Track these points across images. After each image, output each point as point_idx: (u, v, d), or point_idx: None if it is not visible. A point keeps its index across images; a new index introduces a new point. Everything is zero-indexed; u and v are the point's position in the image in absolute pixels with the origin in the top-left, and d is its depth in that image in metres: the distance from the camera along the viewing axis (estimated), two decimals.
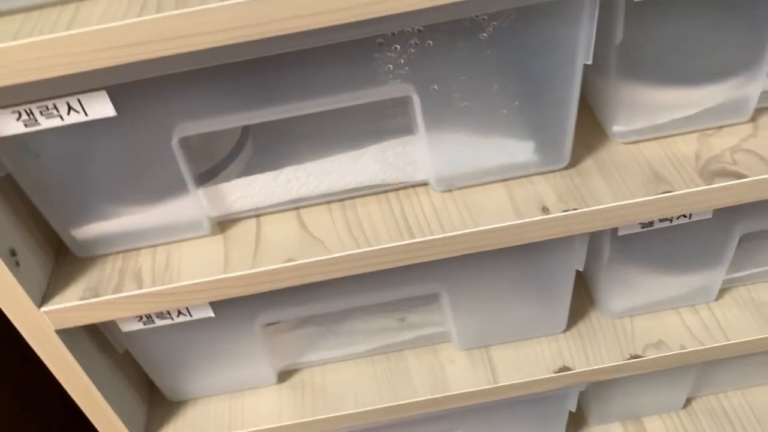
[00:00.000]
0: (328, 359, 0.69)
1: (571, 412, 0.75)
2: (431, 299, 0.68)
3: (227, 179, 0.53)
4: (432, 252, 0.52)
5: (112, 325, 0.57)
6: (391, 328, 0.69)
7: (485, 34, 0.45)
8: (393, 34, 0.44)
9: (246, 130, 0.55)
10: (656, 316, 0.68)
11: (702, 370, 0.77)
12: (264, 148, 0.55)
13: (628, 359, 0.65)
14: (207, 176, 0.53)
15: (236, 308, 0.59)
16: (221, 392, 0.68)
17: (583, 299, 0.69)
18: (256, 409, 0.66)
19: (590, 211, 0.51)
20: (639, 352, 0.65)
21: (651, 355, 0.65)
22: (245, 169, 0.54)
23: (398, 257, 0.52)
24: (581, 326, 0.68)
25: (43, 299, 0.52)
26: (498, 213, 0.52)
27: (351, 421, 0.65)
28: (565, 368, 0.65)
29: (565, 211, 0.51)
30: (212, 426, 0.65)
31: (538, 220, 0.51)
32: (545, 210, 0.52)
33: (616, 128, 0.55)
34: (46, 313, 0.52)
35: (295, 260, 0.52)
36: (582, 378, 0.65)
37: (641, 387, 0.77)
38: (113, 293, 0.52)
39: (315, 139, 0.54)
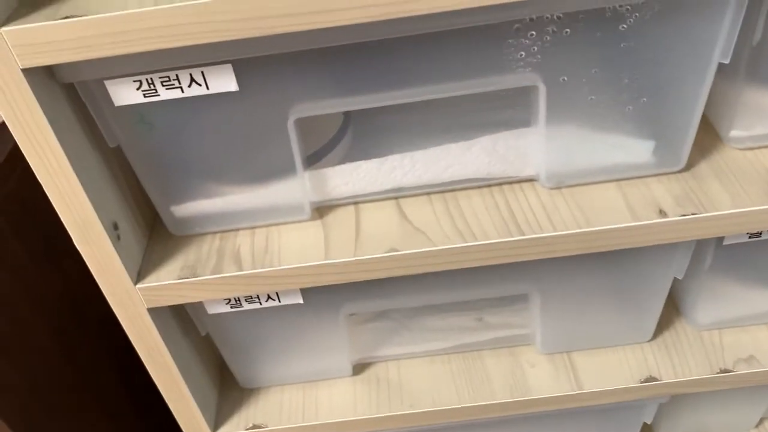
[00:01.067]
0: (404, 354, 0.67)
1: (645, 423, 0.73)
2: (513, 300, 0.66)
3: (331, 164, 0.52)
4: (541, 251, 0.50)
5: (199, 306, 0.56)
6: (468, 327, 0.68)
7: (625, 26, 0.43)
8: (531, 19, 0.42)
9: (348, 114, 0.53)
10: (746, 330, 0.66)
11: None
12: (369, 134, 0.53)
13: (718, 373, 0.63)
14: (312, 159, 0.51)
15: (325, 296, 0.57)
16: (296, 381, 0.66)
17: (669, 309, 0.67)
18: (331, 401, 0.65)
19: (709, 216, 0.49)
20: (729, 367, 0.63)
21: (742, 370, 0.63)
22: (348, 154, 0.53)
23: (505, 254, 0.50)
24: (667, 336, 0.66)
25: (138, 276, 0.51)
26: (612, 214, 0.50)
27: (427, 420, 0.64)
28: (651, 378, 0.63)
29: (684, 215, 0.49)
30: (285, 414, 0.64)
31: (655, 223, 0.49)
32: (662, 213, 0.50)
33: (735, 133, 0.53)
34: (141, 290, 0.50)
35: (398, 250, 0.50)
36: (668, 390, 0.63)
37: (716, 403, 0.75)
38: (212, 273, 0.50)
39: (424, 127, 0.52)
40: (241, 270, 0.50)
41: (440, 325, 0.68)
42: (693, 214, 0.49)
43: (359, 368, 0.67)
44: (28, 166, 0.43)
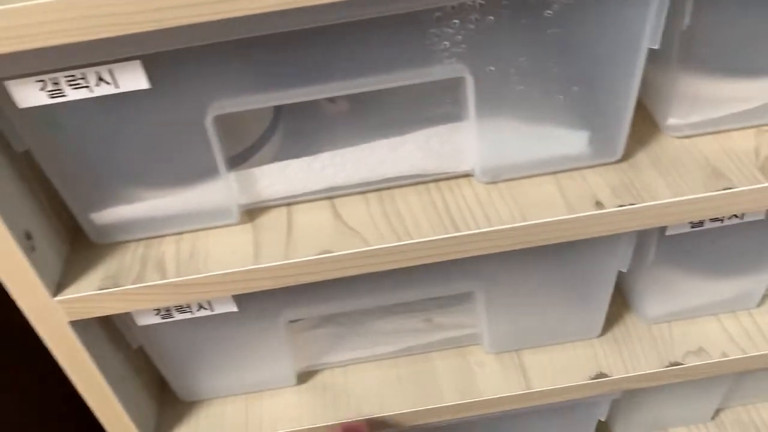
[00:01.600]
0: (351, 360, 0.65)
1: (600, 420, 0.72)
2: (460, 300, 0.65)
3: (259, 164, 0.50)
4: (479, 246, 0.49)
5: (127, 317, 0.54)
6: (417, 329, 0.66)
7: (551, 12, 0.42)
8: (453, 7, 0.41)
9: (278, 112, 0.51)
10: (695, 322, 0.65)
11: (734, 381, 0.74)
12: (299, 132, 0.51)
13: (668, 366, 0.62)
14: (238, 160, 0.49)
15: (261, 303, 0.55)
16: (238, 393, 0.64)
17: (617, 303, 0.66)
18: (275, 411, 0.62)
19: (648, 206, 0.48)
20: (679, 359, 0.62)
21: (692, 362, 0.62)
22: (278, 154, 0.51)
23: (442, 251, 0.49)
24: (617, 331, 0.65)
25: (57, 288, 0.48)
26: (548, 207, 0.49)
27: (375, 427, 0.62)
28: (601, 375, 0.62)
29: (621, 206, 0.48)
30: (228, 427, 0.62)
31: (592, 215, 0.48)
32: (599, 204, 0.49)
33: (672, 121, 0.52)
34: (60, 302, 0.48)
35: (332, 252, 0.48)
36: (619, 385, 0.62)
37: (670, 397, 0.74)
38: (134, 283, 0.48)
39: (354, 123, 0.50)
40: (165, 278, 0.48)
41: (388, 328, 0.66)
42: (631, 204, 0.48)
43: (304, 376, 0.65)
44: None
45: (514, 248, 0.49)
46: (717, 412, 0.79)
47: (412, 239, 0.48)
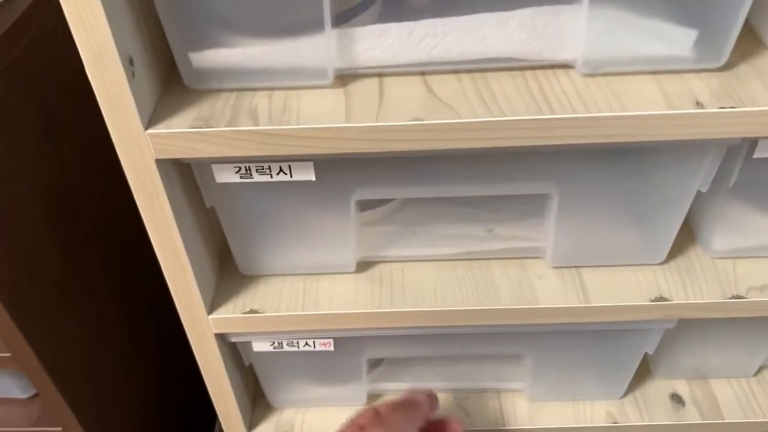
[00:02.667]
0: (410, 257, 0.65)
1: (644, 359, 0.71)
2: (525, 214, 0.64)
3: (361, 24, 0.50)
4: (573, 133, 0.48)
5: (207, 171, 0.54)
6: (478, 236, 0.66)
7: None
8: None
9: None
10: (761, 262, 0.64)
11: None
12: None
13: (730, 298, 0.61)
14: (343, 18, 0.49)
15: (337, 176, 0.55)
16: (296, 273, 0.65)
17: (683, 234, 0.65)
18: (332, 294, 0.63)
19: (749, 111, 0.47)
20: (742, 293, 0.61)
21: (755, 297, 0.61)
22: (381, 15, 0.50)
23: (536, 133, 0.48)
24: (680, 261, 0.65)
25: (149, 122, 0.49)
26: (648, 102, 0.48)
27: (429, 320, 0.62)
28: (661, 298, 0.61)
29: (722, 108, 0.47)
30: (284, 302, 0.62)
31: (692, 113, 0.47)
32: (699, 105, 0.48)
33: None
34: (151, 136, 0.48)
35: (423, 120, 0.48)
36: (678, 312, 0.62)
37: (718, 344, 0.74)
38: (227, 126, 0.48)
39: None
40: (257, 125, 0.48)
41: (449, 232, 0.66)
42: (731, 107, 0.47)
43: (363, 266, 0.65)
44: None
45: (608, 141, 0.49)
46: (760, 369, 0.78)
47: (505, 116, 0.48)
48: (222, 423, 0.75)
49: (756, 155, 0.54)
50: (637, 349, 0.70)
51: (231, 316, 0.62)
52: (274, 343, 0.67)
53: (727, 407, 0.75)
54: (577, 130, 0.48)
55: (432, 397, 0.62)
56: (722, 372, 0.78)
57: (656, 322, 0.64)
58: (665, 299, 0.61)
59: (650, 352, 0.70)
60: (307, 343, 0.67)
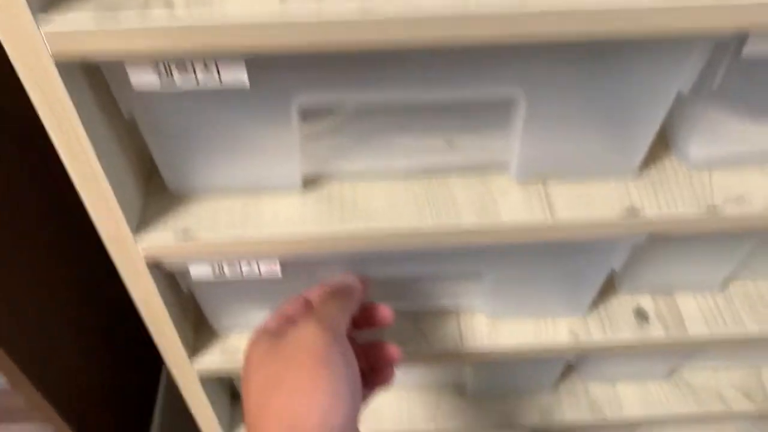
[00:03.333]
0: (362, 171, 0.59)
1: (610, 278, 0.68)
2: (486, 124, 0.58)
3: None
4: (547, 27, 0.42)
5: (121, 72, 0.46)
6: (436, 148, 0.60)
7: None
8: None
9: None
10: (738, 172, 0.60)
11: (750, 253, 0.70)
12: None
13: (706, 211, 0.57)
14: None
15: (274, 80, 0.48)
16: (235, 190, 0.58)
17: (657, 145, 0.60)
18: (276, 213, 0.57)
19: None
20: (718, 205, 0.57)
21: (731, 209, 0.57)
22: None
23: (504, 29, 0.42)
24: (653, 172, 0.60)
25: (42, 19, 0.40)
26: None
27: (383, 240, 0.57)
28: (633, 210, 0.57)
29: None
30: (222, 223, 0.56)
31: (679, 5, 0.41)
32: None
33: None
34: (47, 35, 0.40)
35: (371, 7, 0.41)
36: (651, 226, 0.57)
37: (684, 258, 0.71)
38: (135, 19, 0.40)
39: None
40: (173, 16, 0.40)
41: (405, 143, 0.60)
42: None
43: (310, 182, 0.59)
44: None
45: (588, 32, 0.42)
46: (726, 282, 0.76)
47: (469, 6, 0.41)
48: (162, 354, 0.70)
49: (745, 52, 0.49)
50: (602, 265, 0.66)
51: (161, 238, 0.55)
52: (214, 269, 0.61)
53: (692, 322, 0.73)
54: (553, 22, 0.42)
55: (366, 283, 0.61)
56: (688, 286, 0.75)
57: (627, 238, 0.60)
58: (637, 213, 0.57)
59: (616, 268, 0.66)
60: (251, 269, 0.61)
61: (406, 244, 0.57)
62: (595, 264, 0.66)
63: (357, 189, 0.59)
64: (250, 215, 0.56)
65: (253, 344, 0.52)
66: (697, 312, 0.74)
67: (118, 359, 1.06)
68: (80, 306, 0.92)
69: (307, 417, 0.45)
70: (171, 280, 0.63)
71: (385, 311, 0.60)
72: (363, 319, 0.60)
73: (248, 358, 0.51)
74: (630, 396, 0.90)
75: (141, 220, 0.56)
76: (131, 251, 0.56)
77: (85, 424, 0.90)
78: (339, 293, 0.55)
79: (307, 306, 0.57)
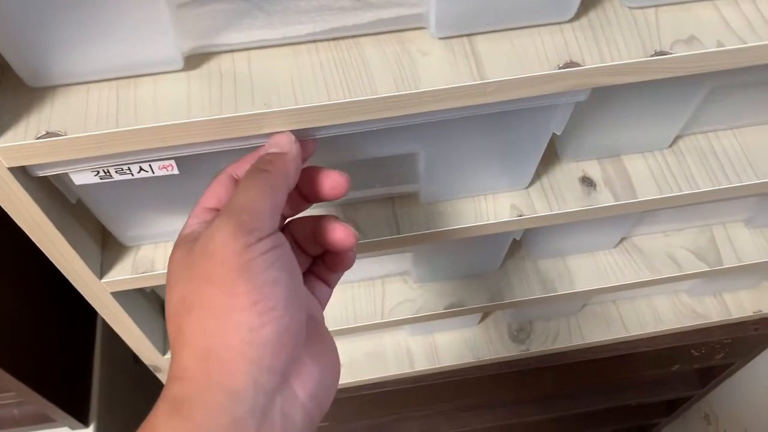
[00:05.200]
0: (257, 42, 0.50)
1: (552, 135, 0.61)
2: None
3: None
4: None
5: None
6: (344, 7, 0.51)
7: None
8: None
9: None
10: (687, 8, 0.53)
11: (702, 102, 0.64)
12: None
13: (652, 56, 0.50)
14: None
15: None
16: (104, 78, 0.48)
17: None
18: (155, 101, 0.48)
19: None
20: (666, 48, 0.50)
21: (681, 51, 0.50)
22: None
23: None
24: (592, 16, 0.52)
25: None
26: None
27: (288, 121, 0.49)
28: (572, 63, 0.50)
29: None
30: (92, 118, 0.47)
31: None
32: None
33: None
34: None
35: None
36: (592, 78, 0.51)
37: (630, 114, 0.64)
38: None
39: None
40: None
41: (306, 4, 0.50)
42: None
43: (195, 60, 0.50)
44: None
45: None
46: (675, 139, 0.70)
47: None
48: (67, 276, 0.62)
49: None
50: (542, 131, 0.60)
51: (21, 142, 0.46)
52: (98, 172, 0.52)
53: (641, 185, 0.68)
54: None
55: (308, 144, 0.50)
56: (636, 147, 0.69)
57: (566, 95, 0.53)
58: (576, 64, 0.50)
59: (557, 132, 0.60)
60: (142, 168, 0.52)
61: (315, 123, 0.49)
62: (534, 130, 0.59)
63: (252, 63, 0.50)
64: (125, 107, 0.47)
65: (172, 254, 0.43)
66: (647, 174, 0.69)
67: (54, 306, 0.98)
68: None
69: (225, 343, 0.38)
70: (53, 192, 0.55)
71: (337, 178, 0.47)
72: (309, 191, 0.48)
73: (168, 272, 0.43)
74: (581, 269, 0.87)
75: None
76: None
77: (27, 373, 0.83)
78: (262, 168, 0.43)
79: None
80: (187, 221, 0.45)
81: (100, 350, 1.18)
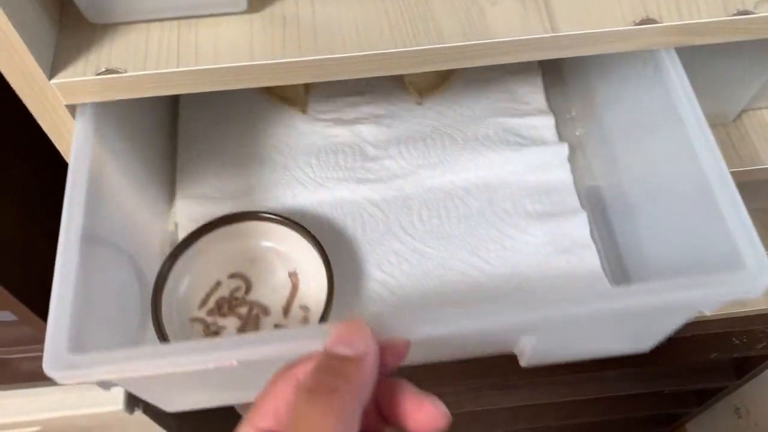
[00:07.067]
0: None
1: None
2: None
3: None
4: None
5: None
6: None
7: None
8: None
9: None
10: None
11: None
12: None
13: (734, 15, 0.48)
14: None
15: None
16: (166, 17, 0.47)
17: None
18: (216, 43, 0.47)
19: None
20: (750, 8, 0.48)
21: (766, 11, 0.48)
22: None
23: None
24: None
25: None
26: None
27: (352, 69, 0.47)
28: (648, 20, 0.47)
29: None
30: (153, 57, 0.46)
31: None
32: None
33: None
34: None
35: None
36: (671, 36, 0.48)
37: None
38: None
39: None
40: None
41: None
42: None
43: (257, 3, 0.48)
44: None
45: None
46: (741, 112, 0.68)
47: None
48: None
49: None
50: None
51: (81, 79, 0.45)
52: None
53: None
54: None
55: (399, 347, 0.36)
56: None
57: (645, 49, 0.51)
58: (654, 21, 0.47)
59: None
60: None
61: (380, 72, 0.48)
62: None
63: (316, 8, 0.48)
64: (186, 48, 0.46)
65: None
66: None
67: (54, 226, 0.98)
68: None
69: None
70: None
71: (433, 412, 0.34)
72: (390, 412, 0.35)
73: None
74: None
75: (56, 56, 0.46)
76: (47, 96, 0.46)
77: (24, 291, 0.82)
78: (328, 385, 0.31)
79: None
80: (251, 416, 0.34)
81: None
